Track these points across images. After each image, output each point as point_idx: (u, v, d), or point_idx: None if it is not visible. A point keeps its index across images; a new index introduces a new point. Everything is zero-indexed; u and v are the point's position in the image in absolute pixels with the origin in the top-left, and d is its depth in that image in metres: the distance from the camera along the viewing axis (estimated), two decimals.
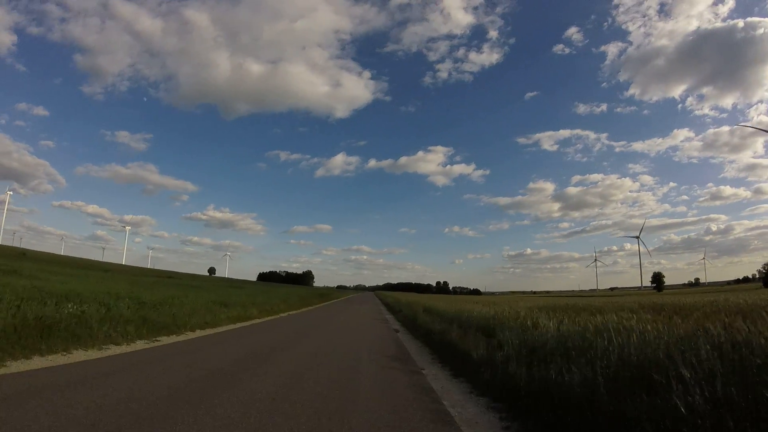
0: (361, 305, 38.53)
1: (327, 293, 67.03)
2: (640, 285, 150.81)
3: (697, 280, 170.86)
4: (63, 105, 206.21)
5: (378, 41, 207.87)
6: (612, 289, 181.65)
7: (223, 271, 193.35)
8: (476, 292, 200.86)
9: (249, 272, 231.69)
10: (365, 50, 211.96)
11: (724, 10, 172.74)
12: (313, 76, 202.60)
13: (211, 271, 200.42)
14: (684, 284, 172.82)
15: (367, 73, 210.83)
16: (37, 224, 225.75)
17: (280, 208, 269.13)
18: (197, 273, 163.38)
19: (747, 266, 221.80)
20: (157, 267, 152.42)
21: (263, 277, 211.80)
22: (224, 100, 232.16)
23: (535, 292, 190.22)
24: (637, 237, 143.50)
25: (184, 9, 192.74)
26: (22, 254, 63.82)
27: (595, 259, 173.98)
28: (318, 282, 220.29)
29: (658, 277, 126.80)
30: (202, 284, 46.96)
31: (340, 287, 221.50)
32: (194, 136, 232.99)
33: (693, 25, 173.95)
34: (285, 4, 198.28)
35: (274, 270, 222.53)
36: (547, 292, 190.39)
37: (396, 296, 55.33)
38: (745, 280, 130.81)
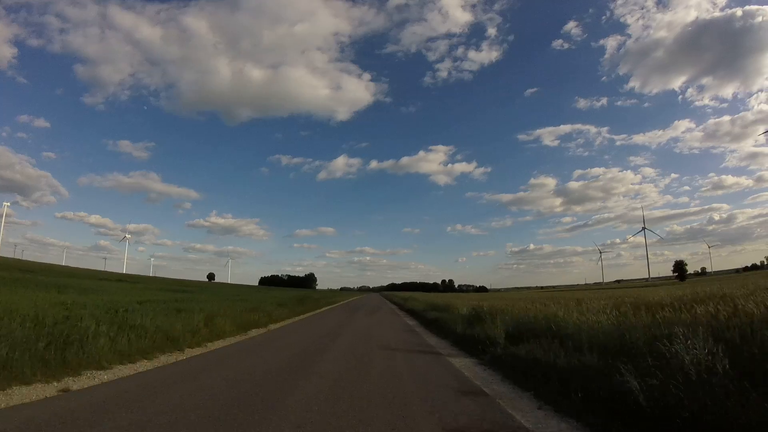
0: (370, 317, 25.17)
1: (320, 297, 52.08)
2: (647, 276, 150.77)
3: (703, 269, 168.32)
4: (64, 116, 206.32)
5: (377, 43, 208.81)
6: (618, 281, 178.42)
7: (225, 277, 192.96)
8: (483, 289, 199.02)
9: (253, 277, 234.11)
10: (365, 52, 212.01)
11: None
12: (314, 80, 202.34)
13: (210, 276, 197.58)
14: (690, 274, 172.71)
15: (367, 75, 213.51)
16: (40, 236, 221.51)
17: (283, 212, 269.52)
18: (199, 279, 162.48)
19: (751, 254, 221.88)
20: (159, 275, 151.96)
21: (265, 281, 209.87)
22: (225, 107, 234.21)
23: (543, 288, 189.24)
24: (643, 228, 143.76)
25: (183, 16, 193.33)
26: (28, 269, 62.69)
27: (600, 253, 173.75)
28: (322, 284, 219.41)
29: (680, 266, 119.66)
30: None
31: (344, 289, 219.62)
32: (196, 144, 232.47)
33: (691, 15, 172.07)
34: (284, 8, 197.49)
35: (276, 274, 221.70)
36: (554, 287, 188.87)
37: (410, 296, 55.06)
38: (754, 267, 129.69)
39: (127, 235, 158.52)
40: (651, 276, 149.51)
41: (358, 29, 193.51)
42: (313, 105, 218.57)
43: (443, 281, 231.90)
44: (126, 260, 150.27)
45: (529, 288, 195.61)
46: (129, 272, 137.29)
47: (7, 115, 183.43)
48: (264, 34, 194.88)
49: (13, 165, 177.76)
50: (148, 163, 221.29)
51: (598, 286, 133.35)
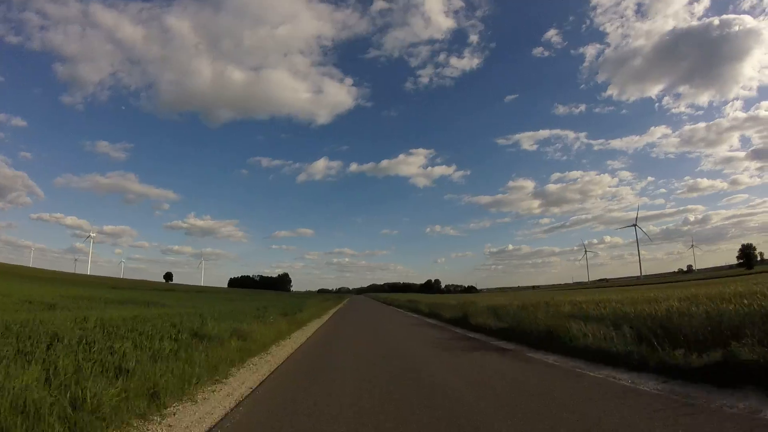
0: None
1: (284, 306, 45.54)
2: (639, 274, 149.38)
3: (689, 267, 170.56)
4: (42, 115, 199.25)
5: (360, 47, 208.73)
6: (603, 280, 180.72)
7: (199, 279, 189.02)
8: (472, 289, 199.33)
9: (226, 279, 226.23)
10: (347, 56, 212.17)
11: (699, 8, 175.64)
12: (295, 83, 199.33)
13: (168, 277, 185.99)
14: (671, 272, 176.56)
15: (348, 80, 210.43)
16: (15, 238, 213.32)
17: (262, 214, 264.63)
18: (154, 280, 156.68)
19: (725, 254, 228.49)
20: (131, 277, 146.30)
21: (235, 282, 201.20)
22: (206, 108, 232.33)
23: (534, 287, 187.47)
24: (634, 225, 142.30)
25: (166, 16, 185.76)
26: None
27: (585, 252, 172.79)
28: (298, 286, 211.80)
29: (748, 252, 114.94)
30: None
31: (322, 291, 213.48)
32: (175, 145, 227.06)
33: (669, 24, 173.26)
34: (267, 10, 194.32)
35: (247, 275, 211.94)
36: (534, 287, 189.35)
37: (415, 298, 46.36)
38: (740, 265, 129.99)
39: (91, 234, 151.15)
40: (644, 273, 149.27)
41: (341, 33, 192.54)
42: (294, 108, 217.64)
43: (429, 281, 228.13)
44: (97, 262, 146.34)
45: (511, 288, 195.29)
46: (97, 274, 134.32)
47: None
48: (246, 36, 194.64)
49: None
50: (126, 163, 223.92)
51: (582, 286, 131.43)
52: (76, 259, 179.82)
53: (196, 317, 12.18)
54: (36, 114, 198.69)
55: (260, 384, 6.73)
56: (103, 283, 72.74)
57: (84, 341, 6.60)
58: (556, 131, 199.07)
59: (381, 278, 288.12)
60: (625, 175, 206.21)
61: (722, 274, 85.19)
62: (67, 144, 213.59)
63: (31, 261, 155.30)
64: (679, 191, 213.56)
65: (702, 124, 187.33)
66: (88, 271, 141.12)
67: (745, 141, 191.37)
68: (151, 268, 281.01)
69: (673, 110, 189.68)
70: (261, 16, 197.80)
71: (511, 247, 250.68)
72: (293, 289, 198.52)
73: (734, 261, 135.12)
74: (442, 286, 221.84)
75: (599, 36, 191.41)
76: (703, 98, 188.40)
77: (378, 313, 31.09)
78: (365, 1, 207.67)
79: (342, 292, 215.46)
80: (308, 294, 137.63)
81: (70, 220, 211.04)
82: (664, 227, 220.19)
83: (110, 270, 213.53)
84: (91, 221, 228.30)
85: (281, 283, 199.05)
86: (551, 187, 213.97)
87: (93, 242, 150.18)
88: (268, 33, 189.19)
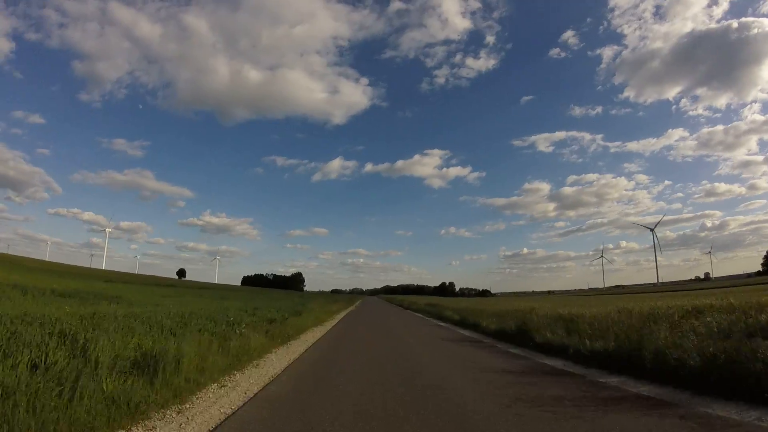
0: None
1: (287, 308, 35.67)
2: (656, 281, 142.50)
3: (707, 275, 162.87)
4: (60, 112, 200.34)
5: (376, 48, 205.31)
6: (619, 287, 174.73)
7: (213, 276, 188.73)
8: (486, 293, 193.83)
9: (240, 277, 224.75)
10: (363, 57, 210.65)
11: (718, 11, 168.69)
12: (311, 83, 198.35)
13: (180, 273, 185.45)
14: (688, 280, 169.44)
15: (364, 80, 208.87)
16: (32, 232, 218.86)
17: (277, 212, 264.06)
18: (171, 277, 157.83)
19: (742, 261, 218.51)
20: (147, 273, 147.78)
21: (248, 281, 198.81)
22: (222, 106, 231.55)
23: (550, 293, 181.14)
24: (652, 230, 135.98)
25: (184, 14, 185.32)
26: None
27: (602, 256, 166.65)
28: (312, 286, 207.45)
29: None
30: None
31: (335, 291, 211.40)
32: (191, 143, 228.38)
33: (688, 27, 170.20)
34: (284, 9, 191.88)
35: (261, 273, 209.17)
36: (549, 292, 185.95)
37: (438, 302, 40.88)
38: (758, 273, 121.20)
39: (106, 229, 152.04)
40: (660, 281, 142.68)
41: (357, 33, 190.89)
42: (310, 108, 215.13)
43: (443, 284, 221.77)
44: (113, 257, 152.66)
45: (525, 293, 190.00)
46: (112, 269, 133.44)
47: (2, 110, 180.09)
48: (263, 35, 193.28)
49: (6, 161, 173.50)
50: (143, 160, 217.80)
51: (597, 292, 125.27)
52: (92, 254, 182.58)
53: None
54: (54, 111, 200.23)
55: None
56: (88, 275, 69.65)
57: None
58: (572, 133, 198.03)
59: (394, 279, 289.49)
60: (642, 178, 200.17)
61: (743, 282, 77.35)
62: (84, 141, 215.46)
63: (47, 255, 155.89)
64: (696, 195, 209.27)
65: (720, 127, 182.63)
66: (103, 265, 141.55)
67: (763, 145, 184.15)
68: (165, 264, 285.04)
69: (691, 113, 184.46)
70: (278, 16, 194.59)
71: (525, 250, 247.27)
72: (306, 288, 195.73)
73: (753, 269, 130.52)
74: (456, 289, 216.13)
75: (617, 38, 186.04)
76: (721, 101, 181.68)
77: (395, 320, 25.60)
78: (382, 1, 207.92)
79: (355, 293, 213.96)
80: (320, 294, 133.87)
81: (87, 215, 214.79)
82: (681, 233, 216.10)
83: (125, 265, 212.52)
84: (107, 217, 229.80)
85: (294, 282, 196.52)
86: (567, 189, 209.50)
87: (108, 237, 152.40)
88: (286, 32, 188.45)
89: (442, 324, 21.21)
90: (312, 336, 14.33)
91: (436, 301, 44.44)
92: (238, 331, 9.17)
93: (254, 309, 18.18)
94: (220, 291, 68.72)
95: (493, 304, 26.24)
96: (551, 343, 10.01)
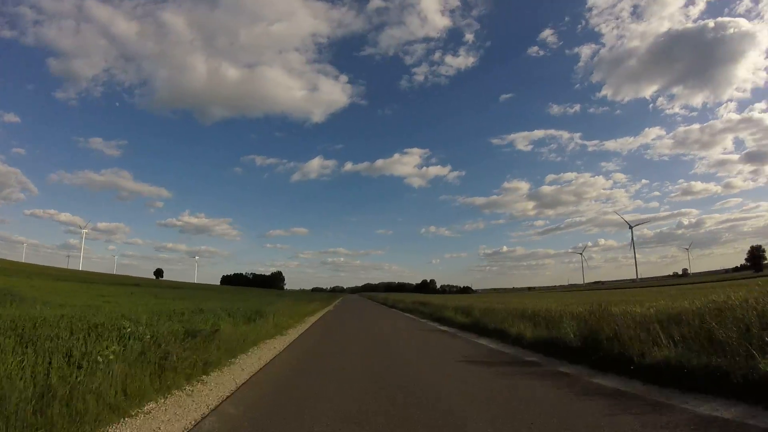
0: None
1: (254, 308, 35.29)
2: (635, 277, 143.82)
3: (685, 271, 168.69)
4: (35, 111, 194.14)
5: (355, 45, 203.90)
6: (597, 282, 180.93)
7: (192, 276, 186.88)
8: (467, 290, 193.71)
9: (219, 277, 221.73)
10: (342, 54, 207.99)
11: (695, 11, 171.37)
12: (290, 81, 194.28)
13: (158, 273, 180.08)
14: (666, 276, 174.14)
15: (344, 77, 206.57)
16: (8, 234, 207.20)
17: (256, 212, 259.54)
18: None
19: (719, 258, 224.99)
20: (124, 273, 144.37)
21: (227, 280, 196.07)
22: (200, 105, 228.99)
23: (530, 289, 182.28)
24: (632, 227, 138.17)
25: (161, 12, 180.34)
26: None
27: (582, 253, 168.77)
28: (292, 285, 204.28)
29: (756, 254, 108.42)
30: None
31: (316, 289, 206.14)
32: (169, 142, 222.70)
33: (665, 26, 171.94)
34: (263, 7, 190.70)
35: (240, 273, 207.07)
36: (530, 288, 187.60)
37: (426, 300, 35.96)
38: (736, 269, 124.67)
39: (82, 229, 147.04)
40: (639, 276, 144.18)
41: (336, 31, 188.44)
42: (289, 106, 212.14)
43: (425, 281, 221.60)
44: (91, 258, 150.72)
45: (505, 289, 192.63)
46: (90, 270, 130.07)
47: None
48: (241, 33, 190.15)
49: None
50: (120, 160, 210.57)
51: (577, 288, 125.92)
52: (68, 255, 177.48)
53: None
54: (29, 110, 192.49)
55: None
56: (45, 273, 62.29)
57: None
58: (551, 131, 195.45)
59: (376, 278, 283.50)
60: (620, 177, 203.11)
61: (720, 278, 77.58)
62: (60, 140, 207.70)
63: (23, 256, 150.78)
64: (673, 194, 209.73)
65: (696, 126, 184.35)
66: (80, 266, 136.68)
67: (738, 143, 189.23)
68: (144, 265, 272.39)
69: (667, 111, 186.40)
70: (257, 13, 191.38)
71: (505, 248, 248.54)
72: (287, 287, 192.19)
73: (730, 265, 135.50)
74: (438, 286, 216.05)
75: (594, 36, 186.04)
76: (697, 99, 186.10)
77: (385, 324, 20.11)
78: None
79: (336, 291, 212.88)
80: (301, 292, 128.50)
81: (64, 216, 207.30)
82: (658, 231, 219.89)
83: (103, 266, 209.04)
84: (84, 218, 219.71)
85: (274, 281, 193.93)
86: (546, 188, 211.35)
87: (85, 238, 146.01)
88: (264, 30, 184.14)
89: (445, 329, 16.55)
90: (252, 362, 8.73)
91: (424, 298, 39.92)
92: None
93: (191, 312, 12.95)
94: (188, 290, 62.55)
95: (505, 301, 21.71)
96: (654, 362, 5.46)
